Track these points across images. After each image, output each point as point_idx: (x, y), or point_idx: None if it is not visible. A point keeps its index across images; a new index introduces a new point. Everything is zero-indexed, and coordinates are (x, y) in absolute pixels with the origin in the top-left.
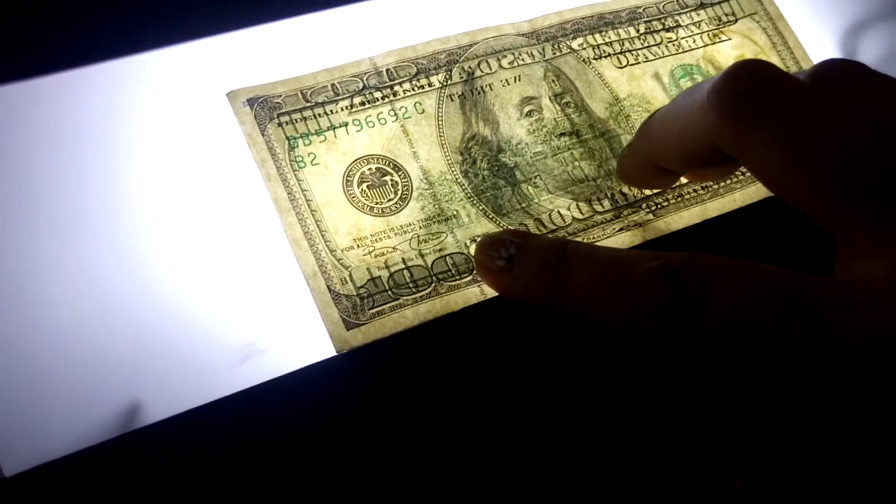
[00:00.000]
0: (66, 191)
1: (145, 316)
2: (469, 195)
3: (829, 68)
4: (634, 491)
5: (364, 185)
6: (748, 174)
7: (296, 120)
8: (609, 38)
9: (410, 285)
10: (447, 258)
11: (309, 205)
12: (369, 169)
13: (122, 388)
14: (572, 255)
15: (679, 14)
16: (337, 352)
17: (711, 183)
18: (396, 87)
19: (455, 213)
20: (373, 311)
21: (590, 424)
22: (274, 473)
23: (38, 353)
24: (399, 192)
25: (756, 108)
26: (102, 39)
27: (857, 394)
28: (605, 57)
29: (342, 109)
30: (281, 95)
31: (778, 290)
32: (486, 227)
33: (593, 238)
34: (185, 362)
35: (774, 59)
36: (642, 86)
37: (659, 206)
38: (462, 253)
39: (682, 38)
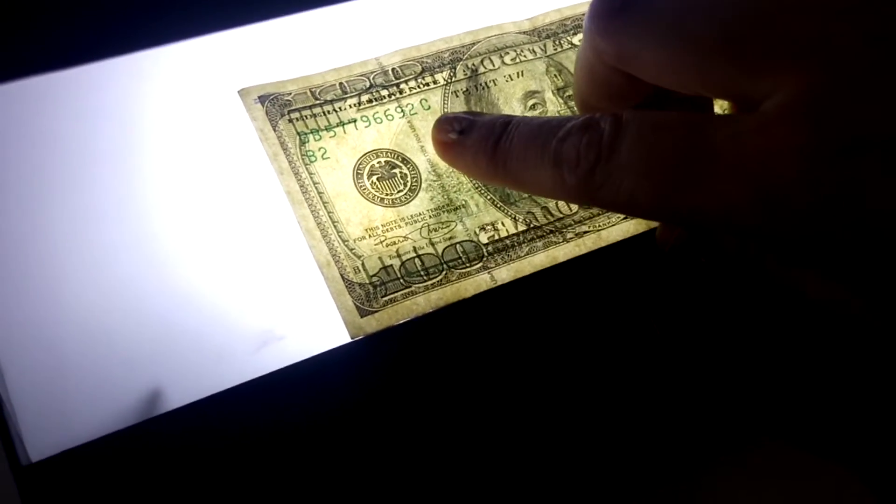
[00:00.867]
0: (86, 186)
1: (166, 306)
2: (477, 185)
3: None
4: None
5: (374, 178)
6: None
7: (306, 116)
8: None
9: (422, 273)
10: (457, 246)
11: (321, 197)
12: (378, 162)
13: (143, 375)
14: (514, 127)
15: None
16: (351, 338)
17: None
18: (402, 85)
19: (464, 202)
20: (385, 298)
21: (601, 407)
22: (293, 458)
23: (62, 343)
24: (408, 184)
25: (624, 12)
26: (116, 35)
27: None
28: None
29: (350, 106)
30: (291, 93)
31: (682, 120)
32: (495, 215)
33: (598, 226)
34: (206, 349)
35: None
36: None
37: None
38: (472, 241)
39: None
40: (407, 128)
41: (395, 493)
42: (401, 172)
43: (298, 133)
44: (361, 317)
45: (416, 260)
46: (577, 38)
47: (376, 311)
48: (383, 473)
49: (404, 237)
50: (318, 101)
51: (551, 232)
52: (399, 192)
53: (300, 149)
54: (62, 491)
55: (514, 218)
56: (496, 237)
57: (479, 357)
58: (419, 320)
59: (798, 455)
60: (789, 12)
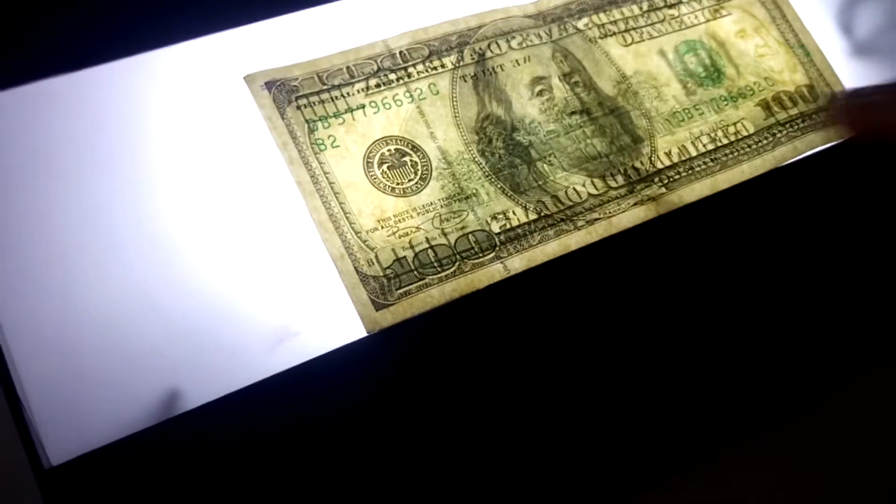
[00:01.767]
0: (96, 188)
1: (180, 306)
2: (487, 174)
3: None
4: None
5: (384, 167)
6: (754, 146)
7: (314, 103)
8: (613, 16)
9: (435, 264)
10: (469, 236)
11: (332, 187)
12: (388, 150)
13: (159, 376)
14: None
15: None
16: (367, 332)
17: (720, 155)
18: (410, 69)
19: (475, 191)
20: (400, 291)
21: (615, 396)
22: (312, 455)
23: (77, 346)
24: (419, 173)
25: None
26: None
27: None
28: (611, 35)
29: (358, 91)
30: (298, 78)
31: None
32: (506, 204)
33: (609, 213)
34: (221, 348)
35: (774, 33)
36: (648, 63)
37: (671, 179)
38: (484, 230)
39: (684, 14)
40: (416, 113)
41: (416, 487)
42: (411, 160)
43: (307, 120)
44: (377, 310)
45: (430, 251)
46: (582, 23)
47: (391, 305)
48: (404, 469)
49: (417, 228)
50: (325, 87)
51: (562, 220)
52: (410, 180)
53: (309, 137)
54: (84, 493)
55: (525, 207)
56: (508, 226)
57: (494, 348)
58: (434, 312)
59: (807, 441)
60: None
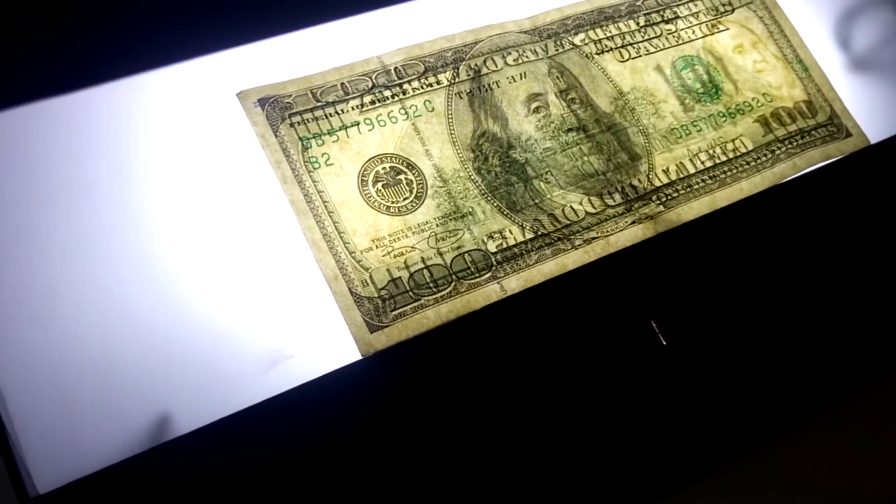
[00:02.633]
0: (86, 210)
1: (171, 329)
2: (483, 192)
3: None
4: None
5: (379, 185)
6: (753, 163)
7: (307, 120)
8: (610, 32)
9: (431, 285)
10: (465, 255)
11: (326, 206)
12: (383, 168)
13: (149, 401)
14: None
15: (677, 5)
16: (362, 355)
17: (719, 172)
18: (405, 86)
19: (471, 209)
20: (395, 312)
21: (612, 417)
22: (306, 479)
23: (65, 372)
24: (414, 191)
25: None
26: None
27: None
28: (607, 51)
29: (353, 108)
30: (291, 95)
31: None
32: (502, 223)
33: (606, 231)
34: (214, 372)
35: (772, 48)
36: (645, 78)
37: (669, 197)
38: (480, 249)
39: (682, 29)
40: (411, 131)
41: None
42: (406, 178)
43: (301, 138)
44: (371, 332)
45: (425, 271)
46: (578, 39)
47: (386, 327)
48: (400, 494)
49: (412, 247)
50: (319, 103)
51: (559, 239)
52: (405, 199)
53: (303, 155)
54: None
55: (522, 225)
56: (504, 245)
57: (491, 369)
58: (429, 334)
59: (803, 459)
60: None
